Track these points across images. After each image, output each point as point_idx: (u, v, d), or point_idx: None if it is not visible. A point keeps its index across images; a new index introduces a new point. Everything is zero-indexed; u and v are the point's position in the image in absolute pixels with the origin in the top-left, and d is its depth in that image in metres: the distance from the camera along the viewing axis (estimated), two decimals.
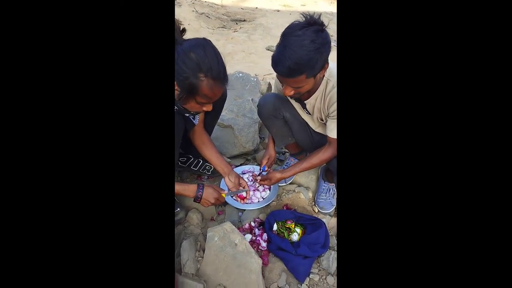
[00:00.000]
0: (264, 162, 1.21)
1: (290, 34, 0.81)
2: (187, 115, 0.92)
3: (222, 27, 4.69)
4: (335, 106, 0.96)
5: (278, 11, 6.69)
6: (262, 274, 0.97)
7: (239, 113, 1.53)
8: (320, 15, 0.85)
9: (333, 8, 8.47)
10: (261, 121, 1.58)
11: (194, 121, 0.99)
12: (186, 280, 0.91)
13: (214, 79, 0.75)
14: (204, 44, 0.75)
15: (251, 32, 4.36)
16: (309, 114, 1.11)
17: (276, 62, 0.83)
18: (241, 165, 1.42)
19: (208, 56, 0.73)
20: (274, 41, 4.00)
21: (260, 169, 1.22)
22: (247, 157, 1.50)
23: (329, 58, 0.90)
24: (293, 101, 1.12)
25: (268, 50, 3.59)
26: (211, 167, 1.27)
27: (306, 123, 1.17)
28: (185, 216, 1.13)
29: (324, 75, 0.95)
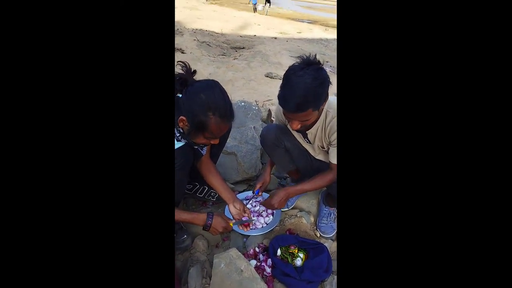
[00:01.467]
0: (258, 186, 1.27)
1: (293, 74, 0.90)
2: (195, 147, 0.99)
3: (222, 55, 4.93)
4: (335, 135, 1.04)
5: (275, 38, 7.04)
6: None
7: (241, 140, 1.60)
8: (315, 55, 0.95)
9: (327, 35, 8.88)
10: (262, 148, 1.66)
11: (202, 152, 1.06)
12: None
13: (221, 117, 0.82)
14: (213, 86, 0.84)
15: (250, 59, 4.59)
16: (310, 143, 1.19)
17: (285, 101, 0.92)
18: (244, 191, 1.47)
19: (216, 97, 0.81)
20: (272, 68, 4.20)
21: (253, 192, 1.29)
22: (250, 182, 1.55)
23: None
24: (294, 132, 1.20)
25: (267, 76, 3.76)
26: (216, 193, 1.32)
27: (306, 150, 1.24)
28: (192, 243, 1.16)
29: (324, 107, 1.04)
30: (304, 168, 1.29)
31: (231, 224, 1.07)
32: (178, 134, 0.89)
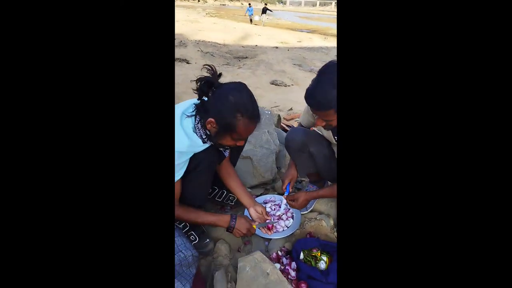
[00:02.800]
0: (287, 181, 1.26)
1: (325, 72, 0.90)
2: (220, 149, 0.99)
3: (226, 64, 5.00)
4: None
5: (277, 47, 7.15)
6: None
7: (256, 144, 1.60)
8: None
9: (327, 43, 9.01)
10: (277, 151, 1.66)
11: (225, 154, 1.06)
12: None
13: (249, 118, 0.83)
14: (241, 88, 0.85)
15: (255, 68, 4.65)
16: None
17: (308, 95, 0.92)
18: (261, 194, 1.46)
19: (244, 98, 0.82)
20: (277, 75, 4.25)
21: (283, 188, 1.28)
22: (266, 186, 1.55)
23: None
24: (323, 130, 1.18)
25: (272, 84, 3.80)
26: (234, 197, 1.32)
27: (330, 155, 1.24)
28: (214, 247, 1.15)
29: None
30: (326, 173, 1.28)
31: (254, 226, 1.06)
32: (204, 137, 0.90)
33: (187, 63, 4.58)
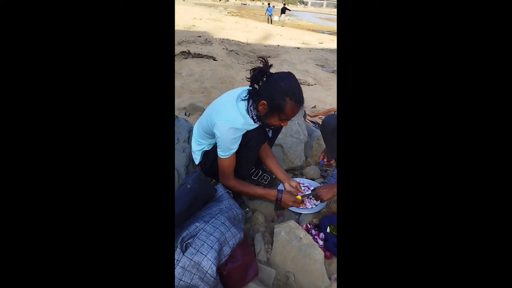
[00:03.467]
0: (322, 157, 1.47)
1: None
2: (266, 128, 1.17)
3: (250, 63, 5.18)
4: None
5: (299, 48, 7.26)
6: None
7: (287, 134, 1.77)
8: None
9: None
10: (305, 141, 1.82)
11: (269, 134, 1.23)
12: (262, 265, 1.09)
13: (296, 102, 1.00)
14: (290, 76, 1.02)
15: (278, 67, 4.81)
16: None
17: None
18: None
19: (293, 85, 0.99)
20: (300, 75, 4.38)
21: (319, 163, 1.52)
22: (295, 172, 1.71)
23: None
24: None
25: None
26: (268, 177, 1.49)
27: None
28: (252, 215, 1.32)
29: None
30: None
31: (299, 197, 1.22)
32: (255, 117, 1.07)
33: (214, 59, 4.79)
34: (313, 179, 1.63)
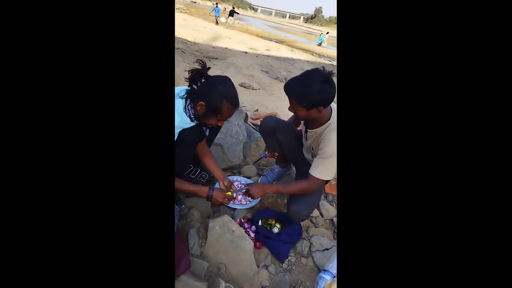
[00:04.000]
0: (265, 151, 1.59)
1: (307, 72, 1.11)
2: (204, 127, 1.21)
3: (196, 63, 5.11)
4: (325, 148, 1.16)
5: (246, 53, 7.45)
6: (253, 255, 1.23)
7: (227, 134, 1.84)
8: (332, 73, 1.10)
9: (293, 55, 9.58)
10: (244, 142, 1.92)
11: (206, 133, 1.29)
12: (194, 259, 1.13)
13: (232, 104, 1.08)
14: (227, 80, 1.09)
15: (225, 69, 4.86)
16: (306, 140, 1.38)
17: (288, 81, 1.15)
18: (228, 176, 1.70)
19: (229, 88, 1.07)
20: (245, 79, 4.52)
21: (262, 155, 1.64)
22: (233, 170, 1.79)
23: (332, 108, 1.19)
24: (302, 124, 1.40)
25: (241, 86, 4.06)
26: (206, 176, 1.54)
27: (296, 146, 1.49)
28: (188, 212, 1.35)
29: (323, 115, 1.17)
30: (291, 158, 1.58)
31: (228, 193, 1.29)
32: (192, 116, 1.11)
33: None
34: (249, 177, 1.74)
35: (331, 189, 1.89)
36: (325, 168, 1.20)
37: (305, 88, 1.07)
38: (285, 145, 1.51)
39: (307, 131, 1.32)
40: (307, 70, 1.12)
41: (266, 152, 1.59)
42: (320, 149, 1.19)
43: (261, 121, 1.57)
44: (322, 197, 1.82)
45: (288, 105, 1.17)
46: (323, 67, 1.11)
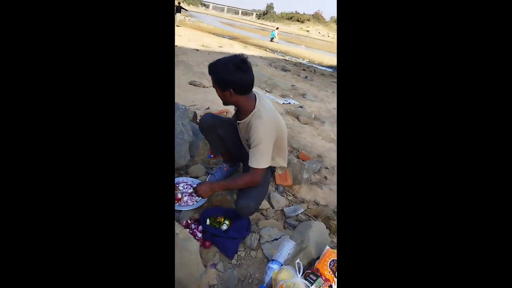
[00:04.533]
0: (209, 151, 1.62)
1: (229, 56, 1.20)
2: None
3: None
4: (254, 136, 1.20)
5: (198, 50, 7.27)
6: (200, 256, 1.20)
7: None
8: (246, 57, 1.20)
9: (247, 51, 9.61)
10: (190, 141, 1.87)
11: None
12: None
13: None
14: None
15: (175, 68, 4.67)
16: (240, 133, 1.40)
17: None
18: (175, 177, 1.64)
19: None
20: (196, 77, 4.42)
21: (207, 156, 1.65)
22: (180, 171, 1.73)
23: (258, 96, 1.27)
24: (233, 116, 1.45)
25: (191, 84, 3.94)
26: None
27: (237, 140, 1.48)
28: None
29: (245, 102, 1.25)
30: (235, 153, 1.57)
31: None
32: None
33: None
34: (197, 177, 1.70)
35: (282, 180, 1.94)
36: (259, 156, 1.22)
37: (220, 68, 1.17)
38: (227, 141, 1.51)
39: (238, 123, 1.35)
40: (231, 55, 1.20)
41: (211, 154, 1.58)
42: (251, 138, 1.22)
43: (200, 119, 1.55)
44: (273, 188, 1.86)
45: None
46: (242, 54, 1.20)
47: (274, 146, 1.28)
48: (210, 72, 1.21)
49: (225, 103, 1.29)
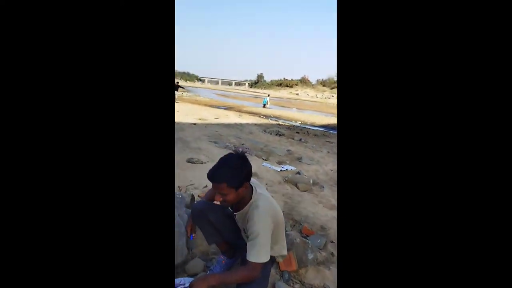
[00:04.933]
0: (189, 230, 1.49)
1: (224, 159, 1.20)
2: None
3: None
4: (252, 229, 1.16)
5: (195, 124, 7.67)
6: None
7: None
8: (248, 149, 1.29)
9: (241, 120, 10.17)
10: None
11: None
12: None
13: None
14: None
15: None
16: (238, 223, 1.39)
17: (208, 171, 1.18)
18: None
19: None
20: (193, 153, 4.54)
21: (188, 236, 1.51)
22: (177, 270, 1.63)
23: (254, 185, 1.29)
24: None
25: (188, 162, 4.03)
26: None
27: (231, 225, 1.44)
28: None
29: (246, 194, 1.23)
30: (232, 241, 1.51)
31: None
32: None
33: None
34: (195, 275, 1.60)
35: (286, 266, 1.82)
36: (258, 249, 1.17)
37: (229, 169, 1.15)
38: (221, 227, 1.47)
39: (235, 214, 1.34)
40: (222, 157, 1.21)
41: (193, 233, 1.52)
42: (249, 230, 1.19)
43: (191, 207, 1.54)
44: (278, 276, 1.73)
45: None
46: (234, 149, 1.25)
47: (272, 235, 1.25)
48: (216, 180, 1.15)
49: (231, 204, 1.24)
